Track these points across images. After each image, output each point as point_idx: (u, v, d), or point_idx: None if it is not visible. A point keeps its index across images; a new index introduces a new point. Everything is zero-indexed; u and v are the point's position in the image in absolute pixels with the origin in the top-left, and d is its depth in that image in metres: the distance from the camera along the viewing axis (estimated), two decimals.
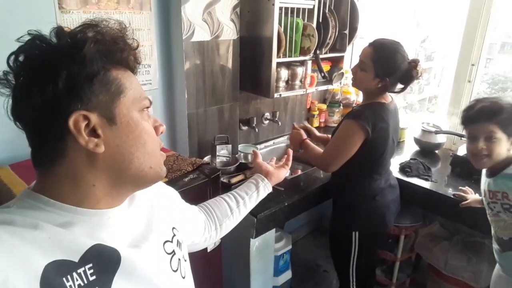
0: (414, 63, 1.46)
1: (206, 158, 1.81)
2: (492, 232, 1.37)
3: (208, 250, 1.43)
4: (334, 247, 1.75)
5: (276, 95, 1.89)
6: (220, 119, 1.88)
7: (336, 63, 2.23)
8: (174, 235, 0.71)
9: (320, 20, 1.97)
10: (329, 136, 1.85)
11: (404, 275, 2.20)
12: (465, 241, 1.95)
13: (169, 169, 1.33)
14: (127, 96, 0.56)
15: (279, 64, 1.91)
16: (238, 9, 1.75)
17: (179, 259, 0.70)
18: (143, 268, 0.59)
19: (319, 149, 1.63)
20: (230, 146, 1.83)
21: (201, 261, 1.31)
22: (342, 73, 2.22)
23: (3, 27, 1.15)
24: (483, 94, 2.87)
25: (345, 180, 1.61)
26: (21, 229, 0.48)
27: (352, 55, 2.51)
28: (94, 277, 0.51)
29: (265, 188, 1.10)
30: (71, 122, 0.50)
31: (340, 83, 2.28)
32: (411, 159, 2.03)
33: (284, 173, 1.19)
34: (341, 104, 2.61)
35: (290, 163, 1.22)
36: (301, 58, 1.99)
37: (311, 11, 1.93)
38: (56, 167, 0.53)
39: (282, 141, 2.35)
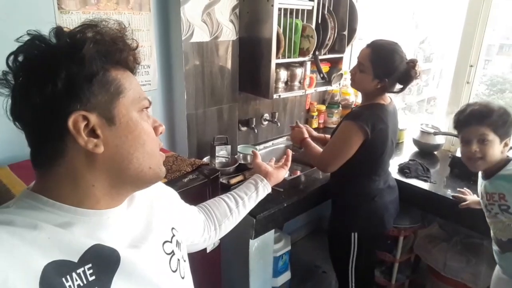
0: (413, 63, 1.47)
1: (205, 159, 1.81)
2: (492, 234, 1.37)
3: (208, 251, 1.43)
4: (333, 248, 1.75)
5: (275, 96, 1.89)
6: (219, 120, 1.89)
7: (335, 64, 2.24)
8: (174, 235, 0.71)
9: (319, 21, 1.98)
10: (326, 136, 1.86)
11: (403, 276, 2.20)
12: (464, 242, 1.95)
13: (169, 169, 1.33)
14: (127, 96, 0.56)
15: (278, 65, 1.91)
16: (237, 10, 1.75)
17: (178, 260, 0.70)
18: (142, 268, 0.59)
19: (319, 149, 1.63)
20: (229, 146, 1.83)
21: (201, 262, 1.31)
22: (341, 74, 2.23)
23: (2, 27, 1.15)
24: (482, 96, 2.88)
25: (344, 181, 1.61)
26: (21, 229, 0.48)
27: (351, 56, 2.52)
28: (93, 277, 0.51)
29: (264, 189, 1.10)
30: (70, 123, 0.50)
31: (339, 84, 2.28)
32: (410, 160, 2.03)
33: (283, 173, 1.19)
34: (340, 105, 2.61)
35: (289, 163, 1.22)
36: (300, 59, 1.99)
37: (310, 12, 1.94)
38: (55, 167, 0.53)
39: (281, 142, 2.36)
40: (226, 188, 1.40)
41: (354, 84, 1.57)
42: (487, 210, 1.35)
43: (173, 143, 1.86)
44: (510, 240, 1.30)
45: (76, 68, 0.50)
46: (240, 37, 1.81)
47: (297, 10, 1.88)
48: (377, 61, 1.46)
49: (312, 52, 1.97)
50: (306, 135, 1.72)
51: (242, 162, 1.90)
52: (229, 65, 1.82)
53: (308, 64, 2.09)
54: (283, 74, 2.02)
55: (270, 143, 2.31)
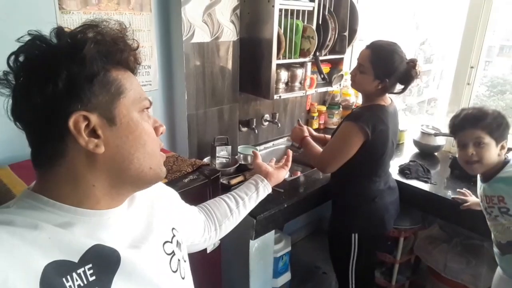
0: (413, 63, 1.47)
1: (206, 159, 1.81)
2: (492, 236, 1.38)
3: (208, 251, 1.43)
4: (334, 248, 1.75)
5: (275, 97, 1.89)
6: (220, 120, 1.89)
7: (335, 65, 2.24)
8: (174, 235, 0.71)
9: (320, 22, 1.98)
10: (326, 136, 1.86)
11: (403, 278, 2.19)
12: (464, 243, 1.95)
13: (169, 170, 1.33)
14: (127, 96, 0.56)
15: (279, 66, 1.91)
16: (238, 10, 1.75)
17: (178, 260, 0.69)
18: (142, 269, 0.59)
19: (318, 148, 1.63)
20: (229, 147, 1.83)
21: (201, 262, 1.31)
22: (342, 75, 2.23)
23: (3, 27, 1.16)
24: (482, 97, 2.88)
25: (345, 181, 1.61)
26: (21, 229, 0.48)
27: (351, 57, 2.52)
28: (93, 277, 0.51)
29: (264, 189, 1.10)
30: (71, 123, 0.50)
31: (340, 85, 2.28)
32: (410, 161, 2.03)
33: (284, 173, 1.19)
34: (341, 106, 2.61)
35: (289, 163, 1.22)
36: (301, 59, 1.99)
37: (311, 13, 1.94)
38: (56, 167, 0.53)
39: (281, 143, 2.36)
40: (227, 189, 1.40)
41: (355, 85, 1.57)
42: (487, 213, 1.36)
43: (174, 143, 1.86)
44: (509, 243, 1.30)
45: (77, 68, 0.51)
46: (241, 38, 1.81)
47: (298, 11, 1.88)
48: (377, 62, 1.46)
49: (312, 53, 1.97)
50: (306, 133, 1.72)
51: (243, 162, 1.90)
52: (229, 65, 1.82)
53: (309, 65, 2.09)
54: (284, 74, 2.03)
55: (270, 144, 2.31)
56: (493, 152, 1.27)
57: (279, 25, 1.77)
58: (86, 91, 0.51)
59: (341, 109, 2.61)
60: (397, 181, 1.76)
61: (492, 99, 3.01)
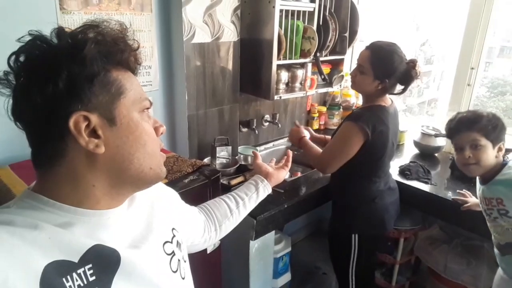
0: (413, 63, 1.47)
1: (206, 160, 1.81)
2: (492, 237, 1.38)
3: (208, 252, 1.43)
4: (334, 249, 1.75)
5: (276, 97, 1.89)
6: (220, 121, 1.89)
7: (336, 65, 2.24)
8: (174, 236, 0.71)
9: (321, 23, 1.98)
10: (326, 136, 1.86)
11: (403, 278, 2.19)
12: (464, 244, 1.95)
13: (169, 170, 1.33)
14: (127, 97, 0.56)
15: (279, 66, 1.91)
16: (238, 11, 1.75)
17: (178, 260, 0.69)
18: (143, 269, 0.59)
19: (317, 149, 1.63)
20: (230, 147, 1.83)
21: (201, 262, 1.31)
22: (342, 76, 2.23)
23: (4, 27, 1.16)
24: (482, 98, 2.88)
25: (344, 181, 1.61)
26: (21, 229, 0.48)
27: (352, 58, 2.52)
28: (93, 277, 0.51)
29: (264, 189, 1.10)
30: (71, 123, 0.50)
31: (340, 85, 2.28)
32: (410, 162, 2.03)
33: (284, 174, 1.19)
34: (341, 107, 2.61)
35: (289, 164, 1.22)
36: (301, 60, 1.99)
37: (311, 13, 1.94)
38: (56, 167, 0.53)
39: (282, 143, 2.36)
40: (227, 189, 1.40)
41: (355, 86, 1.58)
42: (486, 214, 1.37)
43: (174, 143, 1.86)
44: (507, 244, 1.31)
45: (77, 69, 0.51)
46: (242, 38, 1.82)
47: (299, 11, 1.88)
48: (377, 63, 1.46)
49: (313, 54, 1.97)
50: (304, 134, 1.72)
51: (243, 163, 1.90)
52: (230, 66, 1.82)
53: (309, 65, 2.09)
54: (284, 75, 2.03)
55: (270, 144, 2.31)
56: (490, 154, 1.28)
57: (280, 25, 1.77)
58: (86, 91, 0.51)
59: (341, 109, 2.61)
60: (398, 182, 1.76)
61: (493, 100, 3.01)
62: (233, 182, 1.66)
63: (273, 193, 1.19)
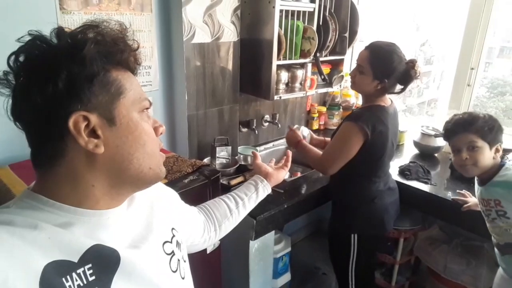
0: (412, 63, 1.47)
1: (206, 160, 1.81)
2: (492, 237, 1.39)
3: (208, 252, 1.43)
4: (333, 249, 1.75)
5: (276, 97, 1.89)
6: (220, 121, 1.89)
7: (336, 66, 2.24)
8: (174, 235, 0.71)
9: (321, 23, 1.98)
10: (326, 139, 1.85)
11: (403, 278, 2.19)
12: (464, 244, 1.95)
13: (169, 170, 1.33)
14: (127, 97, 0.56)
15: (279, 67, 1.91)
16: (238, 11, 1.75)
17: (178, 260, 0.70)
18: (142, 269, 0.59)
19: (316, 151, 1.62)
20: (230, 147, 1.83)
21: (201, 263, 1.31)
22: (342, 76, 2.23)
23: (3, 27, 1.16)
24: (482, 98, 2.88)
25: (344, 182, 1.61)
26: (21, 229, 0.48)
27: (352, 58, 2.52)
28: (93, 277, 0.51)
29: (264, 189, 1.10)
30: (71, 123, 0.50)
31: (340, 85, 2.28)
32: (410, 162, 2.03)
33: (284, 174, 1.19)
34: (341, 107, 2.61)
35: (289, 164, 1.22)
36: (301, 60, 1.99)
37: (311, 14, 1.94)
38: (56, 167, 0.53)
39: (281, 143, 2.36)
40: (227, 189, 1.40)
41: (355, 86, 1.58)
42: (485, 215, 1.37)
43: (174, 143, 1.86)
44: (507, 244, 1.32)
45: (77, 68, 0.51)
46: (242, 39, 1.82)
47: (299, 12, 1.88)
48: (376, 63, 1.46)
49: (313, 54, 1.97)
50: (300, 137, 1.72)
51: (243, 163, 1.90)
52: (230, 66, 1.82)
53: (309, 65, 2.09)
54: (284, 75, 2.03)
55: (270, 144, 2.32)
56: (487, 156, 1.28)
57: (280, 26, 1.77)
58: (86, 91, 0.52)
59: (341, 110, 2.61)
60: (397, 182, 1.76)
61: (492, 101, 3.01)
62: (233, 182, 1.66)
63: (273, 193, 1.19)
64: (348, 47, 2.16)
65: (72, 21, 1.35)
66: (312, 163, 1.64)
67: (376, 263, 2.01)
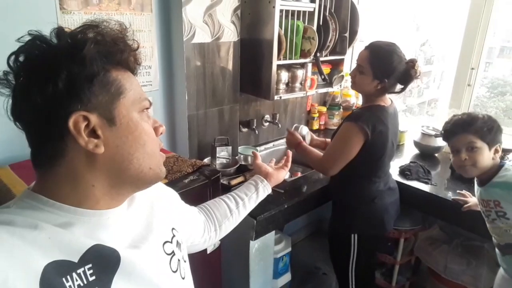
0: (412, 63, 1.47)
1: (206, 160, 1.81)
2: (492, 237, 1.39)
3: (208, 252, 1.43)
4: (334, 249, 1.75)
5: (276, 97, 1.89)
6: (220, 121, 1.89)
7: (336, 66, 2.24)
8: (174, 235, 0.71)
9: (321, 23, 1.98)
10: (327, 139, 1.85)
11: (403, 279, 2.19)
12: (464, 244, 1.95)
13: (169, 170, 1.33)
14: (127, 97, 0.56)
15: (279, 67, 1.91)
16: (239, 11, 1.75)
17: (178, 260, 0.69)
18: (142, 269, 0.59)
19: (317, 152, 1.62)
20: (230, 147, 1.83)
21: (201, 263, 1.31)
22: (342, 76, 2.23)
23: (3, 27, 1.16)
24: (482, 98, 2.88)
25: (344, 182, 1.61)
26: (21, 229, 0.48)
27: (352, 58, 2.52)
28: (93, 277, 0.51)
29: (264, 189, 1.10)
30: (71, 123, 0.50)
31: (340, 85, 2.28)
32: (410, 162, 2.03)
33: (284, 174, 1.19)
34: (341, 107, 2.61)
35: (289, 164, 1.22)
36: (302, 60, 1.99)
37: (311, 14, 1.94)
38: (56, 167, 0.53)
39: (282, 143, 2.35)
40: (227, 189, 1.40)
41: (355, 86, 1.58)
42: (485, 216, 1.37)
43: (174, 143, 1.86)
44: (507, 245, 1.32)
45: (77, 68, 0.51)
46: (242, 39, 1.82)
47: (299, 11, 1.88)
48: (376, 62, 1.46)
49: (313, 54, 1.97)
50: (300, 139, 1.71)
51: (243, 163, 1.90)
52: (230, 66, 1.82)
53: (309, 65, 2.09)
54: (284, 75, 2.03)
55: (270, 144, 2.31)
56: (486, 156, 1.28)
57: (280, 26, 1.77)
58: (86, 91, 0.51)
59: (341, 110, 2.61)
60: (398, 182, 1.76)
61: (493, 101, 3.01)
62: (233, 182, 1.66)
63: (273, 193, 1.19)
64: (348, 47, 2.16)
65: (72, 21, 1.35)
66: (313, 164, 1.64)
67: (376, 263, 2.01)
